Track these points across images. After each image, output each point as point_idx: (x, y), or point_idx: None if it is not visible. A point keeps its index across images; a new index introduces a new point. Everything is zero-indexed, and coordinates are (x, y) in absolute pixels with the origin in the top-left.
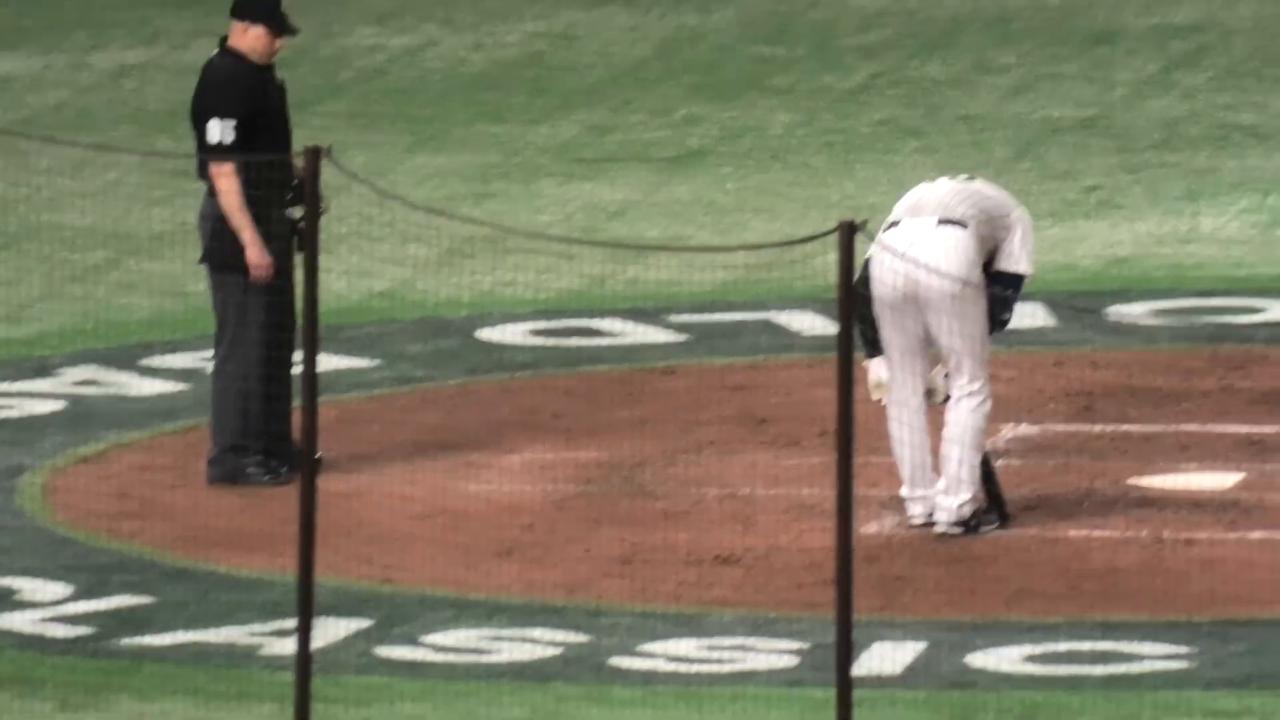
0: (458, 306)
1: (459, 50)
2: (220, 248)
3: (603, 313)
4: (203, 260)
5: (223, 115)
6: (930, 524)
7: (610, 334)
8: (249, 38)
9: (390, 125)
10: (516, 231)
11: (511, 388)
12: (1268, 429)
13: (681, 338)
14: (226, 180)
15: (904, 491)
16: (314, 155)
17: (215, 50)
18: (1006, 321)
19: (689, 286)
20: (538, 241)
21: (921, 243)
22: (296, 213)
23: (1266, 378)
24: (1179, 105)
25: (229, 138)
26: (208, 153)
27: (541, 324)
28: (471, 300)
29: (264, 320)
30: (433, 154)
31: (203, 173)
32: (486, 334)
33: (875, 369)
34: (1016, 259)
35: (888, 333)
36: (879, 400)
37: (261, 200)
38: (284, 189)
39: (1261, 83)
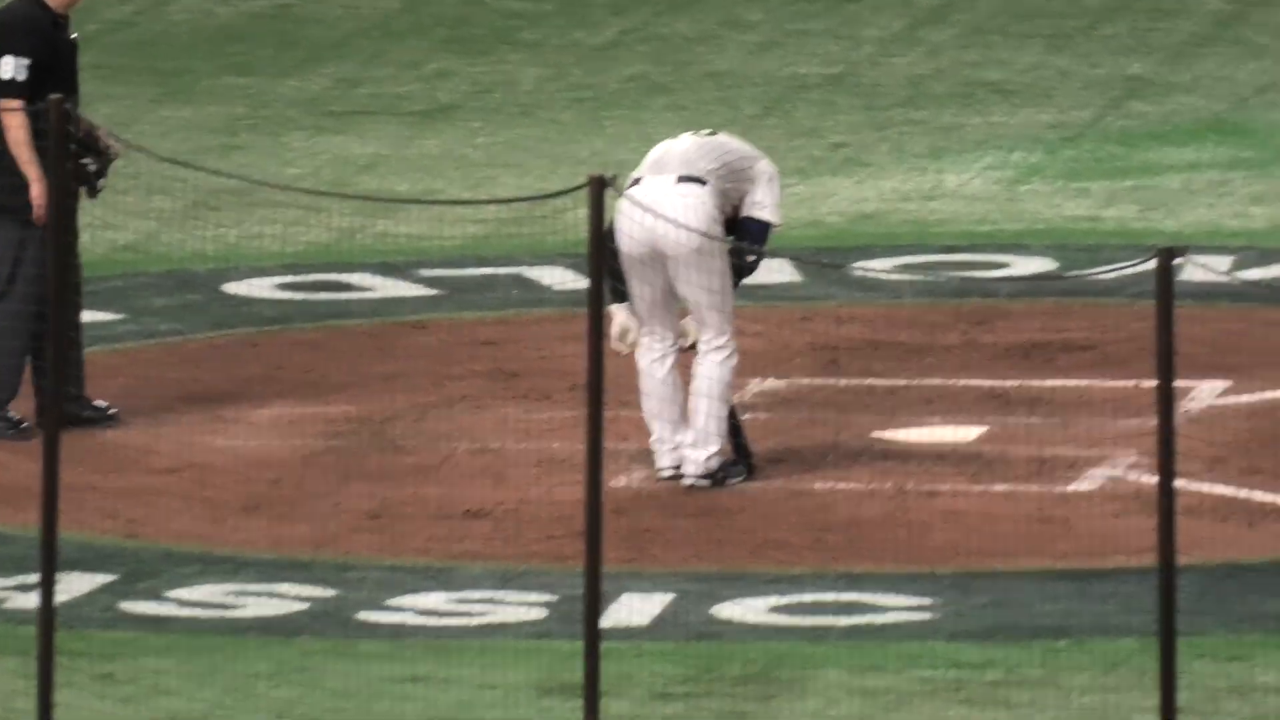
0: (204, 260)
1: (205, 3)
2: (1, 191)
3: (352, 267)
4: None
5: (16, 54)
6: (678, 476)
7: (360, 288)
8: None
9: (136, 77)
10: (264, 184)
11: (259, 342)
12: (1010, 383)
13: (432, 292)
14: (15, 117)
15: (653, 443)
16: (58, 107)
17: None
18: (754, 267)
19: (439, 241)
20: (286, 195)
21: (663, 199)
22: (90, 166)
23: (1009, 332)
24: (925, 62)
25: (21, 75)
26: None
27: (289, 278)
28: (218, 254)
29: (38, 271)
30: (179, 106)
31: None
32: (233, 288)
33: (620, 316)
34: (762, 207)
35: (635, 287)
36: (625, 348)
37: (39, 150)
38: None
39: (1007, 39)
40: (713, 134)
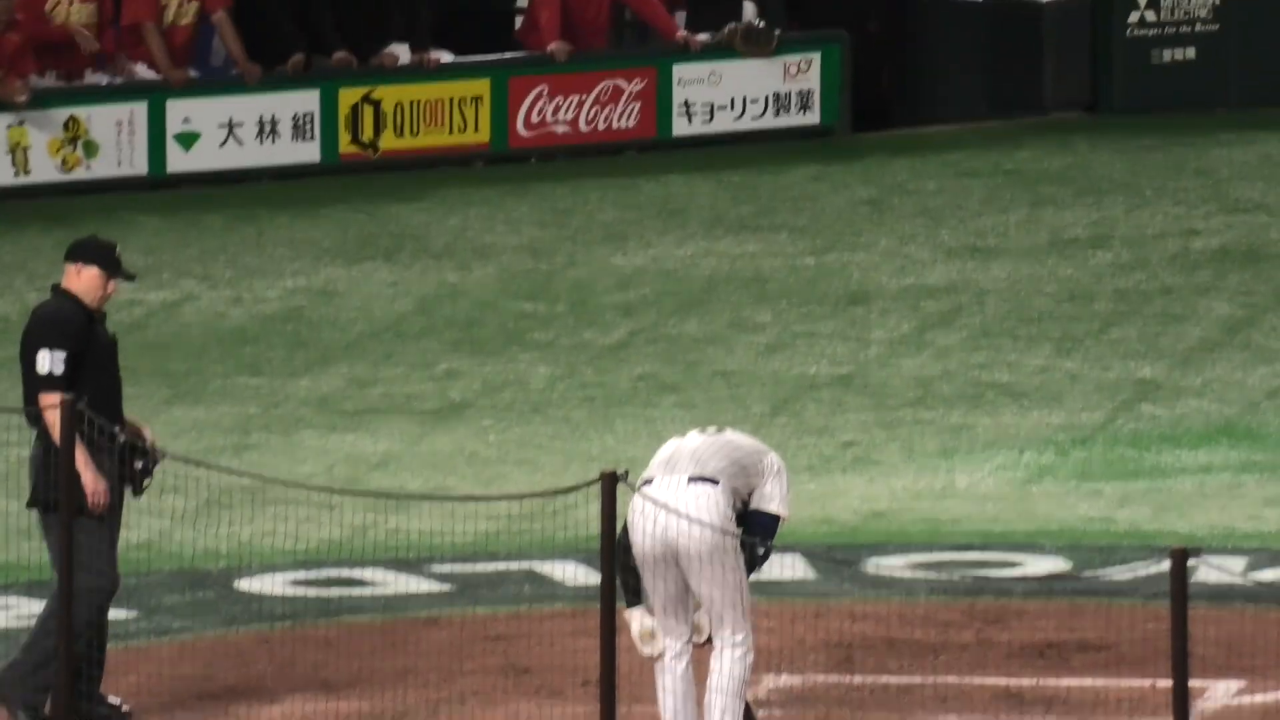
0: (216, 558)
1: (217, 305)
2: (49, 489)
3: (364, 563)
4: (31, 503)
5: (52, 347)
6: None
7: (372, 584)
8: (82, 279)
9: (148, 379)
10: (276, 481)
11: (271, 639)
12: (1025, 681)
13: (444, 588)
14: (54, 413)
15: None
16: (69, 408)
17: (49, 294)
18: (764, 559)
19: (451, 537)
20: (298, 492)
21: (676, 498)
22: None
23: (1023, 630)
24: (933, 364)
25: (59, 369)
26: (37, 384)
27: (301, 574)
28: (230, 551)
29: (92, 562)
30: (190, 406)
31: (31, 417)
32: (245, 585)
33: (638, 619)
34: (770, 499)
35: (650, 584)
36: (649, 653)
37: (92, 443)
38: (106, 434)
39: (1015, 342)
40: (720, 431)
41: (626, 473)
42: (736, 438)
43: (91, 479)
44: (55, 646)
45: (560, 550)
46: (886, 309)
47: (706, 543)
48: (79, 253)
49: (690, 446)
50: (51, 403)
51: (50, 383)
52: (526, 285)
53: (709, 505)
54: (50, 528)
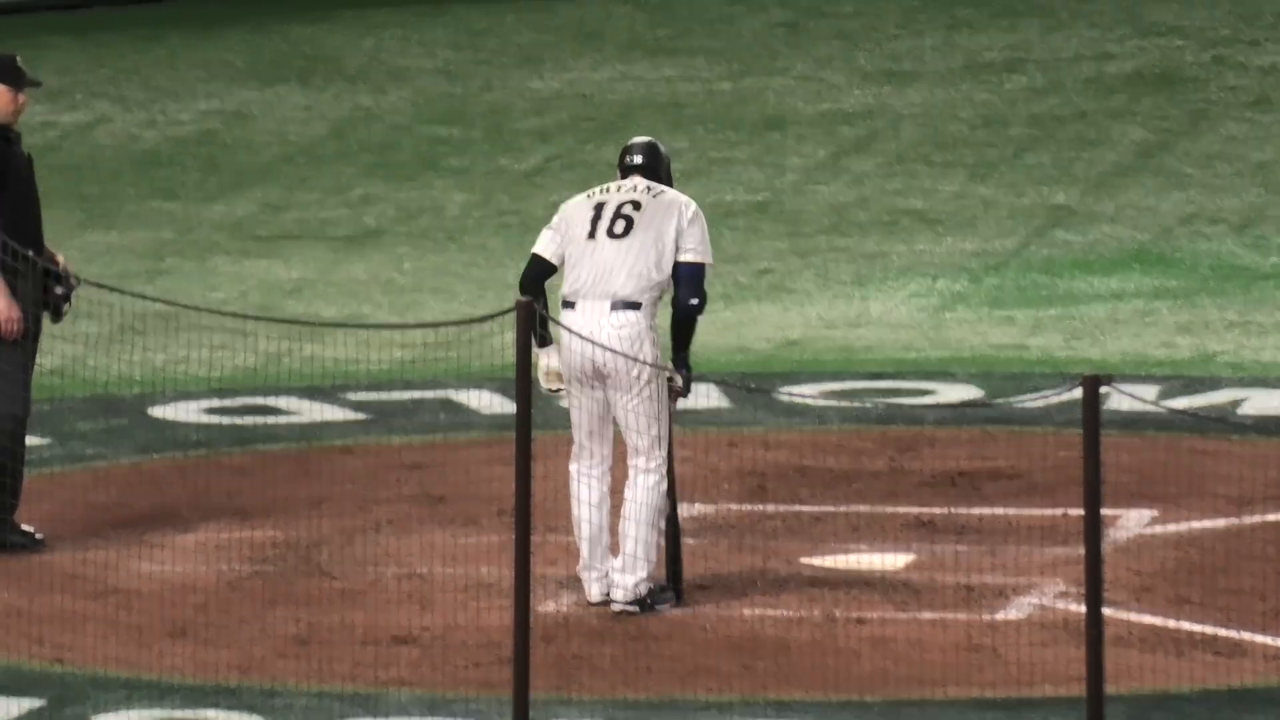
0: (130, 384)
1: (131, 127)
2: None
3: (278, 391)
4: None
5: None
6: (607, 601)
7: (286, 412)
8: None
9: (61, 202)
10: (190, 308)
11: (185, 466)
12: (937, 510)
13: (359, 416)
14: None
15: (580, 570)
16: None
17: None
18: (700, 308)
19: (366, 365)
20: (212, 319)
21: (599, 327)
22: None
23: (935, 459)
24: (848, 191)
25: None
26: None
27: (216, 402)
28: (144, 378)
29: (8, 388)
30: (104, 231)
31: None
32: (159, 412)
33: (545, 357)
34: (690, 250)
35: (575, 406)
36: (548, 389)
37: (8, 267)
38: (29, 258)
39: (930, 168)
40: (627, 223)
41: (542, 301)
42: (645, 224)
43: (5, 305)
44: None
45: (475, 378)
46: (803, 135)
47: (627, 369)
48: None
49: (608, 262)
50: None
51: None
52: (442, 109)
53: (632, 334)
54: None
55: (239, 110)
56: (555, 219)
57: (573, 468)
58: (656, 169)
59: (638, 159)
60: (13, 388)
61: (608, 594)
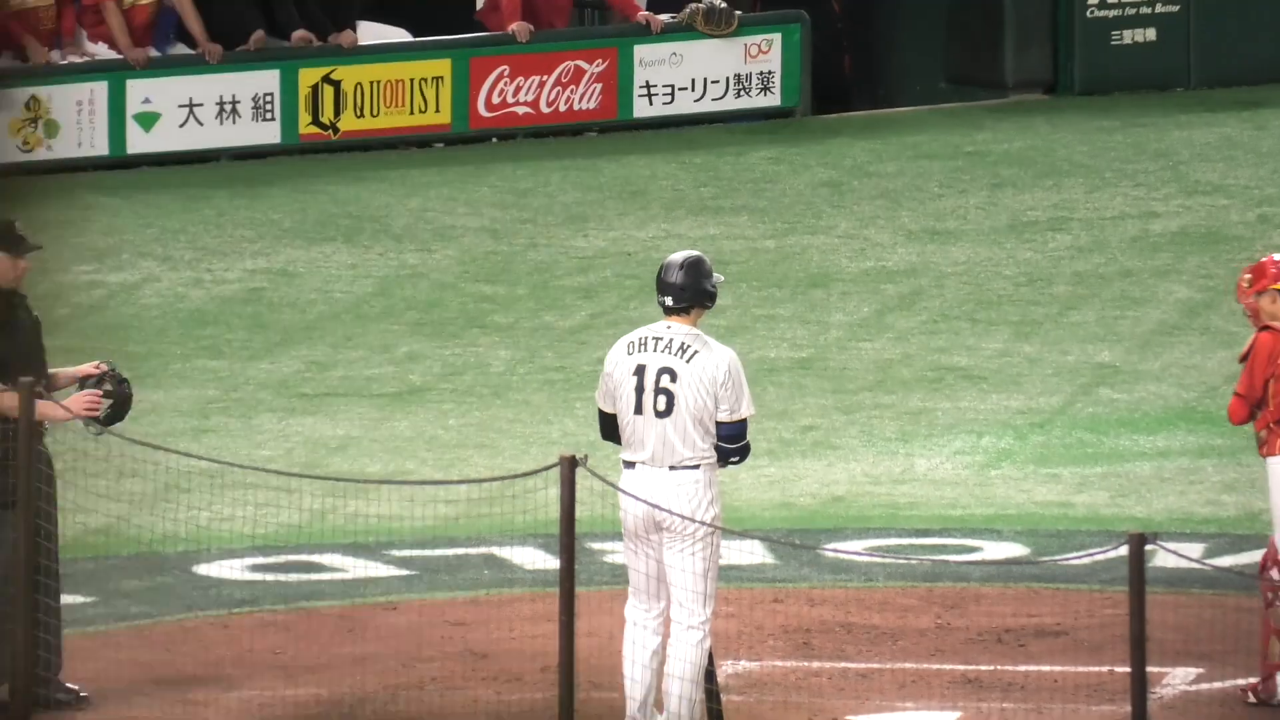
0: (175, 542)
1: (177, 286)
2: None
3: (323, 548)
4: None
5: None
6: None
7: (331, 569)
8: None
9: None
10: (235, 465)
11: (230, 624)
12: (983, 667)
13: (403, 572)
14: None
15: None
16: (29, 391)
17: None
18: (738, 460)
19: (411, 521)
20: (257, 476)
21: (657, 483)
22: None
23: (981, 616)
24: (892, 347)
25: None
26: None
27: (260, 559)
28: (189, 536)
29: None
30: (150, 390)
31: None
32: (204, 569)
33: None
34: (733, 410)
35: (632, 553)
36: None
37: (5, 432)
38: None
39: (974, 325)
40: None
41: (586, 457)
42: (684, 400)
43: (63, 412)
44: None
45: (520, 535)
46: (846, 292)
47: (687, 527)
48: None
49: (659, 436)
50: None
51: None
52: (487, 267)
53: (691, 492)
54: None
55: (285, 268)
56: (605, 367)
57: (629, 614)
58: (691, 305)
59: (669, 301)
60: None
61: None
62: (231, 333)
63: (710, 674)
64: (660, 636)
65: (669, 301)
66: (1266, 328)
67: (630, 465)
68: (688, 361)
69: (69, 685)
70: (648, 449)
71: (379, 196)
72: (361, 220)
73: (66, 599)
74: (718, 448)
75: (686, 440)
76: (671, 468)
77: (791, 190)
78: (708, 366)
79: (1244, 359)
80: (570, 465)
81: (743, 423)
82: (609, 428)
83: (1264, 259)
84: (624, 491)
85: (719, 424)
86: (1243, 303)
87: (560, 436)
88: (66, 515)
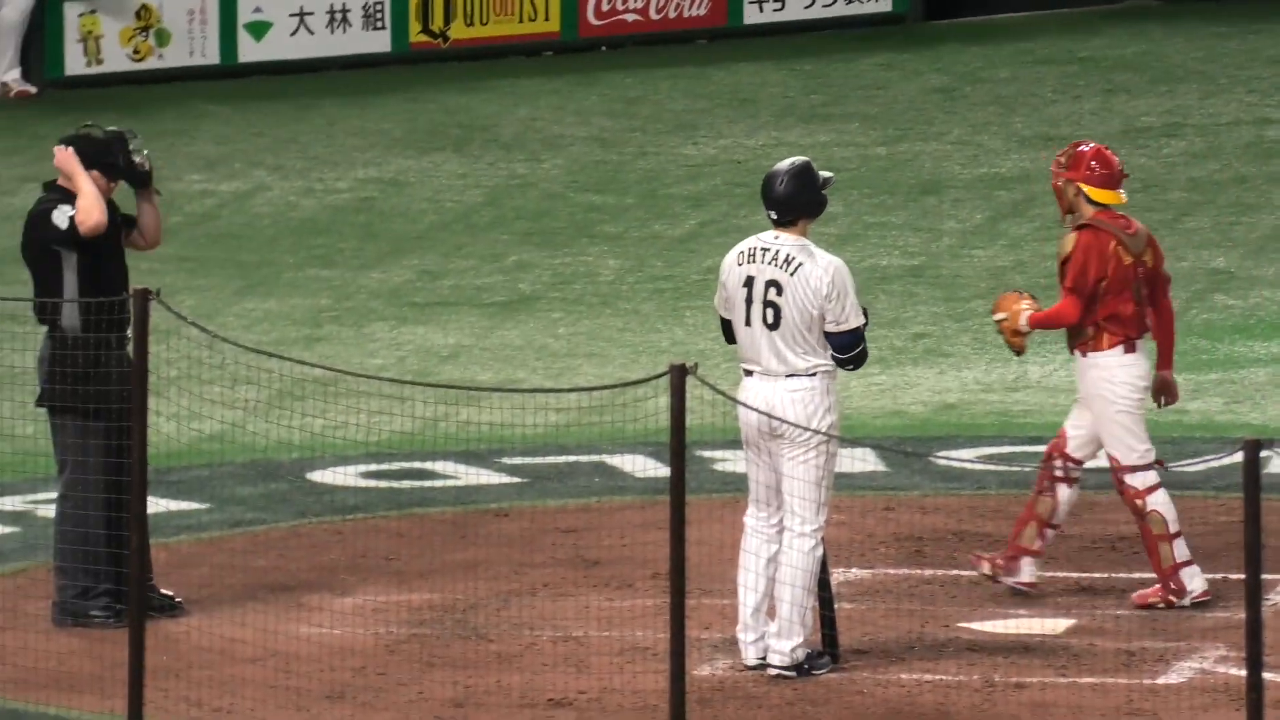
0: (289, 449)
1: (289, 195)
2: (56, 389)
3: (435, 455)
4: (40, 402)
5: (60, 204)
6: (763, 665)
7: (443, 476)
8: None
9: (219, 270)
10: (348, 373)
11: (343, 530)
12: (1097, 575)
13: (514, 480)
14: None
15: (740, 629)
16: (143, 297)
17: (40, 195)
18: (853, 364)
19: (521, 429)
20: (370, 384)
21: (773, 390)
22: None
23: (1094, 524)
24: (1005, 254)
25: (71, 213)
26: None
27: (373, 466)
28: (302, 443)
29: (104, 460)
30: (262, 298)
31: (41, 316)
32: (317, 476)
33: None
34: (843, 320)
35: (749, 468)
36: None
37: (100, 341)
38: (123, 328)
39: None
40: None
41: (696, 365)
42: (790, 313)
43: (91, 200)
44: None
45: (630, 443)
46: (959, 199)
47: (801, 435)
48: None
49: (770, 346)
50: (84, 216)
51: (71, 233)
52: (596, 176)
53: (807, 399)
54: (59, 428)
55: (395, 178)
56: (720, 275)
57: (748, 521)
58: (798, 217)
59: (773, 215)
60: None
61: (763, 658)
62: (343, 242)
63: (824, 582)
64: (777, 545)
65: (773, 215)
66: (1083, 226)
67: (749, 374)
68: (792, 274)
69: (164, 591)
70: (761, 359)
71: (488, 106)
72: (471, 130)
73: (180, 505)
74: (833, 357)
75: (797, 351)
76: (787, 376)
77: (903, 97)
78: (812, 278)
79: (1065, 261)
80: (680, 374)
81: (853, 332)
82: (729, 332)
83: (1083, 148)
84: (738, 401)
85: (828, 335)
86: (1054, 184)
87: (669, 345)
88: (180, 422)
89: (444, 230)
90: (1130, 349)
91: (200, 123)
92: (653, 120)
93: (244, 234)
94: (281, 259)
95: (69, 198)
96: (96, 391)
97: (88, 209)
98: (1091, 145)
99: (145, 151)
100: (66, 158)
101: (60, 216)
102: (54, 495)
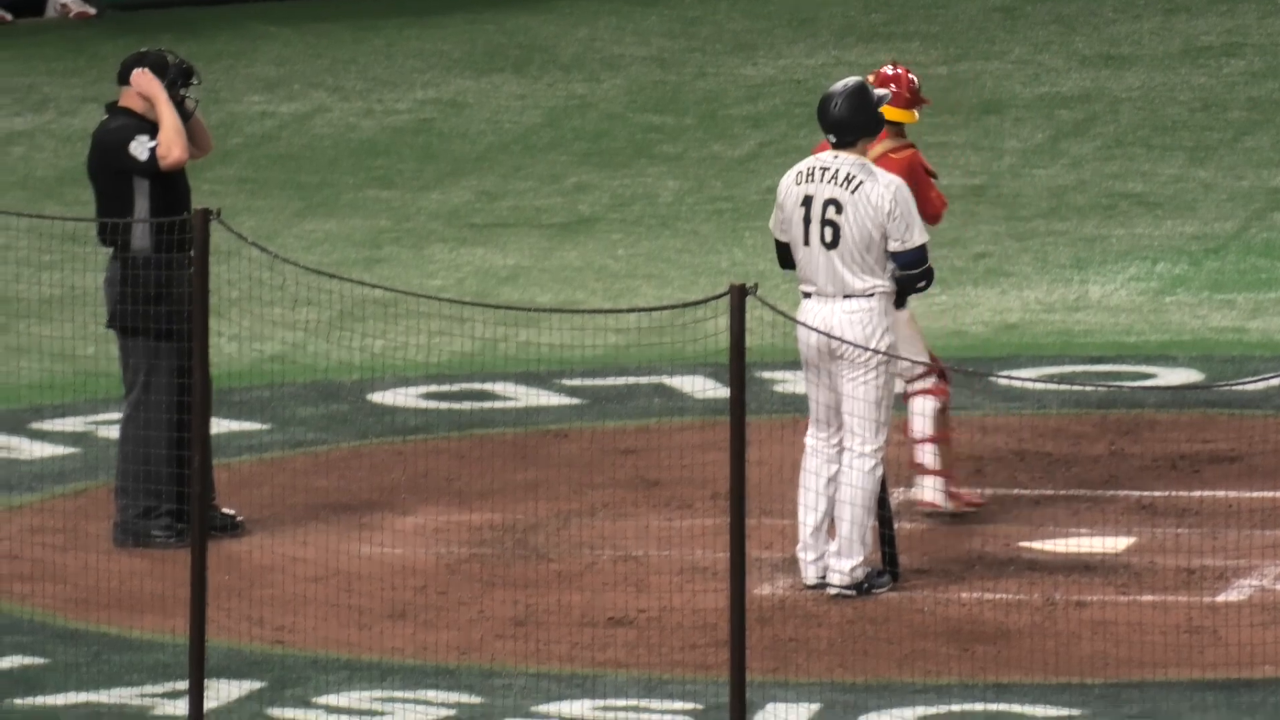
0: (349, 370)
1: (348, 117)
2: (127, 310)
3: (495, 376)
4: (110, 324)
5: (136, 135)
6: (822, 585)
7: (503, 397)
8: (141, 99)
9: (279, 191)
10: (409, 294)
11: (404, 451)
12: (1157, 494)
13: (574, 401)
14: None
15: (799, 549)
16: (203, 218)
17: (104, 115)
18: (918, 283)
19: (581, 350)
20: (430, 305)
21: (831, 311)
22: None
23: (1155, 443)
24: (1066, 174)
25: (152, 145)
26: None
27: (433, 387)
28: (363, 364)
29: (171, 382)
30: (322, 219)
31: (105, 238)
32: (378, 397)
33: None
34: (905, 239)
35: (811, 383)
36: None
37: (167, 261)
38: (188, 249)
39: (1149, 151)
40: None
41: (755, 286)
42: (850, 231)
43: (173, 130)
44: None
45: (689, 364)
46: (1020, 118)
47: (860, 356)
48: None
49: (829, 266)
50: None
51: (149, 165)
52: (655, 97)
53: (865, 319)
54: (128, 350)
55: (455, 99)
56: (777, 196)
57: (808, 441)
58: (857, 138)
59: (831, 137)
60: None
61: (823, 577)
62: (402, 163)
63: (883, 501)
64: (837, 465)
65: (831, 138)
66: (908, 146)
67: (807, 295)
68: (853, 192)
69: (225, 510)
70: (819, 280)
71: (547, 26)
72: (530, 50)
73: (242, 425)
74: (900, 277)
75: (855, 271)
76: (846, 297)
77: (964, 15)
78: (873, 197)
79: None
80: (740, 294)
81: (919, 249)
82: (784, 256)
83: (898, 70)
84: (797, 321)
85: (892, 254)
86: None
87: (729, 266)
88: (241, 343)
89: (503, 151)
90: None
91: (259, 44)
92: (712, 40)
93: (304, 155)
94: (341, 180)
95: (139, 123)
96: (167, 312)
97: (169, 143)
98: (898, 68)
99: (197, 98)
100: (149, 82)
101: (139, 148)
102: (115, 416)
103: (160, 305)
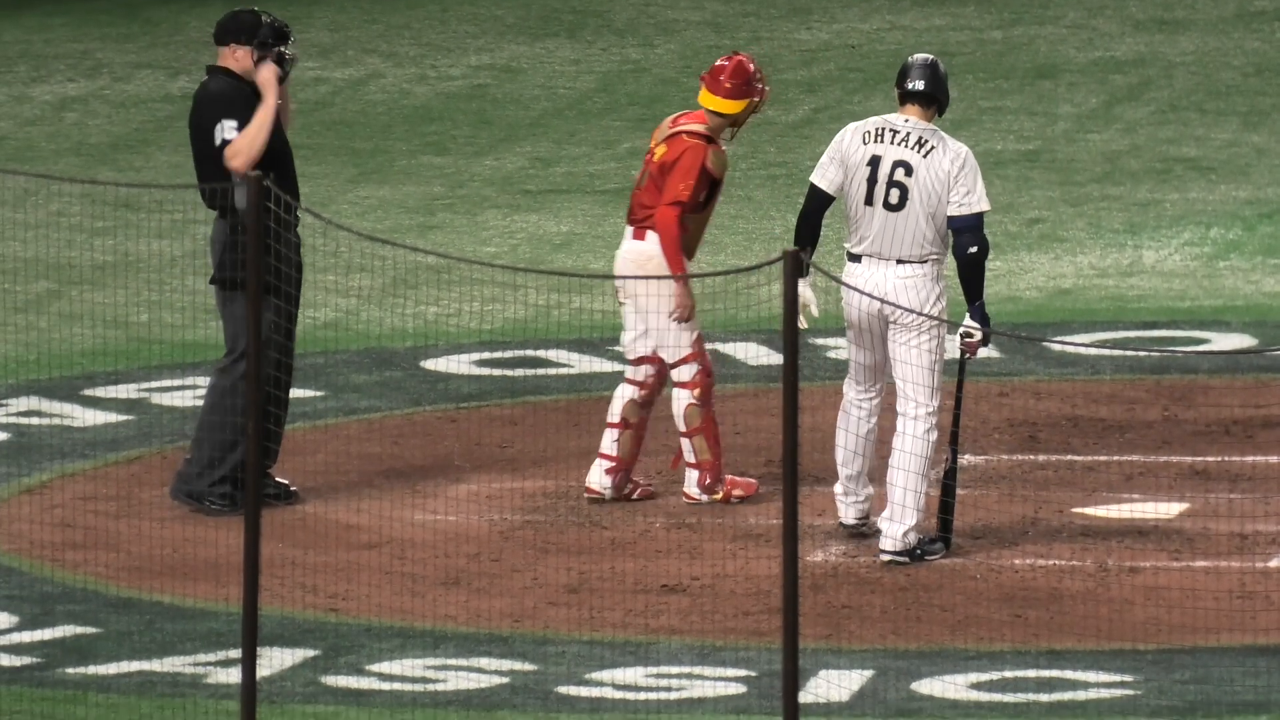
0: (403, 337)
1: (402, 83)
2: (229, 267)
3: (548, 343)
4: (213, 280)
5: (226, 118)
6: (862, 525)
7: (556, 364)
8: (238, 58)
9: (333, 157)
10: (462, 260)
11: (457, 418)
12: (1210, 459)
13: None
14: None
15: (837, 493)
16: (256, 183)
17: (205, 77)
18: (979, 254)
19: None
20: (483, 271)
21: (884, 277)
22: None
23: (1209, 408)
24: (1120, 139)
25: (231, 136)
26: (217, 154)
27: (487, 354)
28: (417, 330)
29: (268, 337)
30: (376, 185)
31: (211, 202)
32: (432, 364)
33: (801, 289)
34: (967, 203)
35: (852, 350)
36: (803, 322)
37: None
38: (292, 210)
39: (1203, 116)
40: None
41: (810, 251)
42: (918, 195)
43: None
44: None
45: (742, 330)
46: (1074, 83)
47: (914, 320)
48: (228, 34)
49: (887, 229)
50: (235, 153)
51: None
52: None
53: (917, 285)
54: (228, 304)
55: (509, 65)
56: (833, 148)
57: (847, 393)
58: (935, 94)
59: (918, 84)
60: (281, 339)
61: (862, 519)
62: (456, 129)
63: (950, 470)
64: (875, 419)
65: (920, 85)
66: (707, 138)
67: (855, 259)
68: (924, 155)
69: (279, 480)
70: (874, 240)
71: None
72: (584, 15)
73: (296, 392)
74: (956, 242)
75: (916, 235)
76: (899, 261)
77: None
78: (944, 161)
79: (670, 164)
80: (794, 260)
81: (976, 216)
82: (813, 208)
83: (744, 62)
84: (853, 287)
85: (951, 217)
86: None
87: (783, 232)
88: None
89: (557, 117)
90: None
91: (314, 9)
92: (766, 4)
93: (358, 121)
94: (395, 146)
95: (234, 93)
96: (271, 269)
97: (241, 150)
98: (743, 56)
99: (294, 54)
100: (269, 77)
101: (220, 132)
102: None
103: (264, 258)
